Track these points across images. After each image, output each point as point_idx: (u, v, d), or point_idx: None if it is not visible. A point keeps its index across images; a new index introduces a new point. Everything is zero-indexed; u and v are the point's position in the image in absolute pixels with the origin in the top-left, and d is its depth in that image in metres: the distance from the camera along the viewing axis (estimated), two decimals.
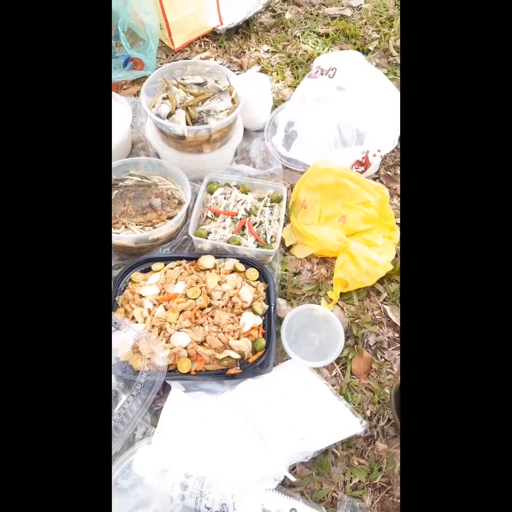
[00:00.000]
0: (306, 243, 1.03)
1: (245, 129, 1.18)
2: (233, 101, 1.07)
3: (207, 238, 0.97)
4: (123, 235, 0.94)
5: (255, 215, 1.03)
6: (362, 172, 1.12)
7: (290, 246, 1.04)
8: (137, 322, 0.85)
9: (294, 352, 0.86)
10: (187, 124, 1.01)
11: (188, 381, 0.82)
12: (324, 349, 0.88)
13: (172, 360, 0.81)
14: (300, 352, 0.87)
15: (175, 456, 0.72)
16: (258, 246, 0.98)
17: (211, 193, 1.07)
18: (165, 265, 0.94)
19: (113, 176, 1.05)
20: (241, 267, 0.94)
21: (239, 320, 0.86)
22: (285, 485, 0.75)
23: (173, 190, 1.05)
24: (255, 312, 0.88)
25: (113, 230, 0.95)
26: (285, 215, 1.07)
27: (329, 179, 1.03)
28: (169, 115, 1.03)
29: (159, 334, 0.84)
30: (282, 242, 1.04)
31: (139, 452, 0.74)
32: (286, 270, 1.01)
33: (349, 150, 1.16)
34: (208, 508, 0.67)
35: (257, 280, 0.94)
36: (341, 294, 0.97)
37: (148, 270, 0.94)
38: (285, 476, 0.72)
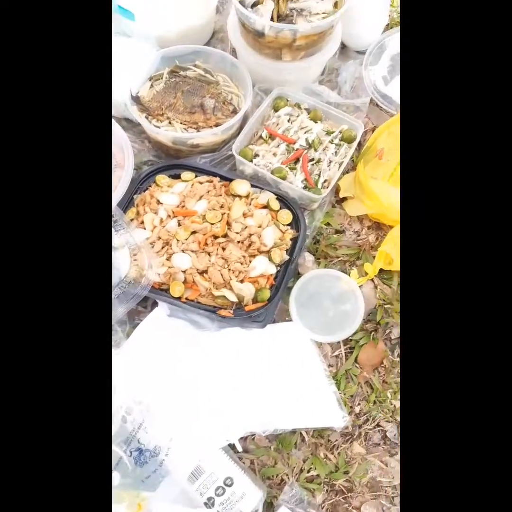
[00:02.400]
0: (364, 199, 0.86)
1: (343, 46, 0.98)
2: (335, 4, 0.86)
3: (251, 161, 0.84)
4: (162, 131, 0.84)
5: (316, 150, 0.86)
6: None
7: (344, 199, 0.88)
8: (144, 228, 0.78)
9: (299, 316, 0.75)
10: (271, 20, 0.84)
11: (175, 307, 0.75)
12: (334, 324, 0.76)
13: (166, 280, 0.74)
14: (306, 318, 0.75)
15: (130, 375, 0.67)
16: (305, 187, 0.84)
17: (276, 110, 0.91)
18: (196, 176, 0.84)
19: (176, 62, 0.92)
20: (275, 205, 0.81)
21: (250, 262, 0.76)
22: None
23: (234, 95, 0.91)
24: (271, 259, 0.76)
25: (155, 123, 0.86)
26: (352, 161, 0.90)
27: None
28: (255, 4, 0.85)
29: (162, 248, 0.76)
30: (336, 190, 0.88)
31: None
32: (328, 224, 0.87)
33: None
34: (141, 444, 0.62)
35: (288, 224, 0.81)
36: (381, 271, 0.81)
37: (178, 177, 0.84)
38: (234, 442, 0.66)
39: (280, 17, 0.85)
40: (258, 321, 0.73)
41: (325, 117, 0.91)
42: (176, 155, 0.88)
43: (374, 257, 0.83)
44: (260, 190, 0.82)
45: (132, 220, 0.79)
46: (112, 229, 0.72)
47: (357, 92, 0.98)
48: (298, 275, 0.80)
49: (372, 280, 0.82)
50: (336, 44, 0.92)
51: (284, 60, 0.90)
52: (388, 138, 0.89)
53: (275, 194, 0.82)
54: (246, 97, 0.87)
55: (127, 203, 0.80)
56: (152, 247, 0.76)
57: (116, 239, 0.72)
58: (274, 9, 0.84)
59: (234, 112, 0.87)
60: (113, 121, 0.81)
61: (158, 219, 0.78)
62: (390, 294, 0.81)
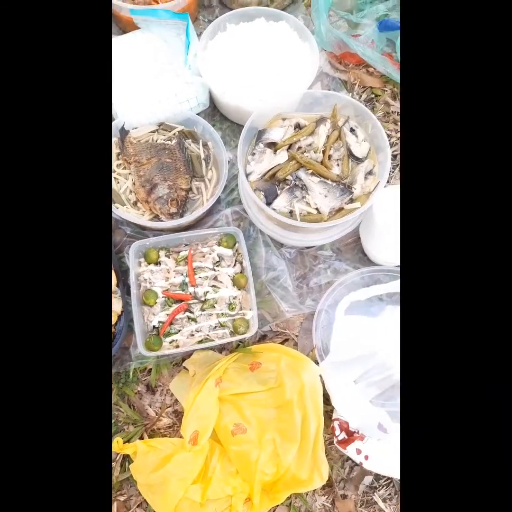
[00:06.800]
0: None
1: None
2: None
3: (149, 263, 0.79)
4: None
5: (203, 310, 0.76)
6: None
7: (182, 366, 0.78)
8: None
9: None
10: None
11: None
12: None
13: None
14: None
15: None
16: (157, 332, 0.76)
17: (219, 244, 0.81)
18: None
19: (195, 130, 0.86)
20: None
21: None
22: None
23: (201, 200, 0.83)
24: None
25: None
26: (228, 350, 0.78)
27: None
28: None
29: None
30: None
31: None
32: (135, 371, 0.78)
33: None
34: None
35: None
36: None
37: None
38: None
39: None
40: None
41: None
42: None
43: (141, 438, 0.75)
44: None
45: None
46: None
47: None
48: None
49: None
50: None
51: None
52: (275, 363, 0.73)
53: None
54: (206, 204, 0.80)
55: None
56: None
57: None
58: None
59: (170, 215, 0.79)
60: None
61: None
62: None
